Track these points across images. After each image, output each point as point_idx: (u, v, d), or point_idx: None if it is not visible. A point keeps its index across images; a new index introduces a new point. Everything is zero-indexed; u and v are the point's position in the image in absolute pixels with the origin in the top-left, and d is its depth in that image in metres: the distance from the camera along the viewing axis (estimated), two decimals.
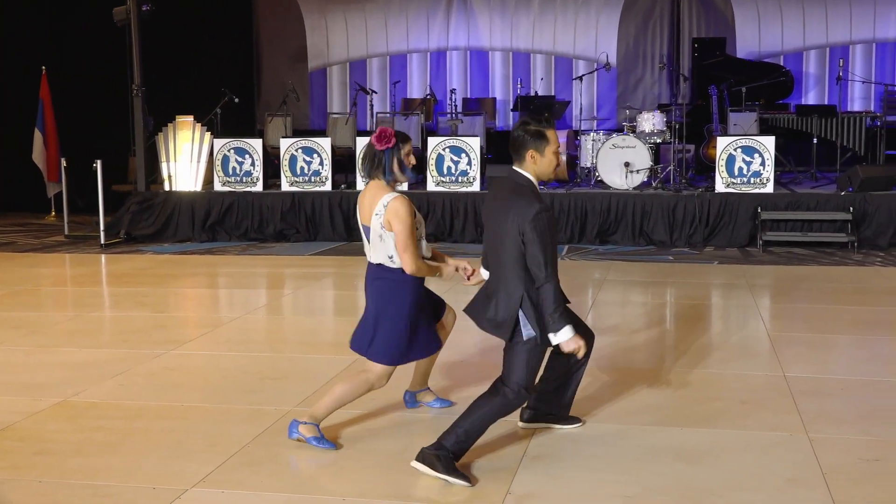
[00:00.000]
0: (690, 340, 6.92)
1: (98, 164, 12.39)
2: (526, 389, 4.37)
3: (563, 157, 12.03)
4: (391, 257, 4.60)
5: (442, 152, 12.36)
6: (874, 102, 15.95)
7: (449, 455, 4.29)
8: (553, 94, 16.50)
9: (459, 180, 12.30)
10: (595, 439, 4.81)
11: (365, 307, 4.78)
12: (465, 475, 4.28)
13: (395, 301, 4.64)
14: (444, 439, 4.33)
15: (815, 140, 13.45)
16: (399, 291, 4.64)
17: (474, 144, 12.42)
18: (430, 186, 12.42)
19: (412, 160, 4.70)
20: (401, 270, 4.60)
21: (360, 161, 4.74)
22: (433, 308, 4.93)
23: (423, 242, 4.70)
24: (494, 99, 16.81)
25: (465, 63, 17.41)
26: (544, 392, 4.88)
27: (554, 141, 4.36)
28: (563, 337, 4.24)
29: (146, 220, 12.89)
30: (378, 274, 4.68)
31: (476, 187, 12.27)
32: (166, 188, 13.15)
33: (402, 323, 4.63)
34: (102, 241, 12.31)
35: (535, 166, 4.37)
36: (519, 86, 15.72)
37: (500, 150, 15.28)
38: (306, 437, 4.66)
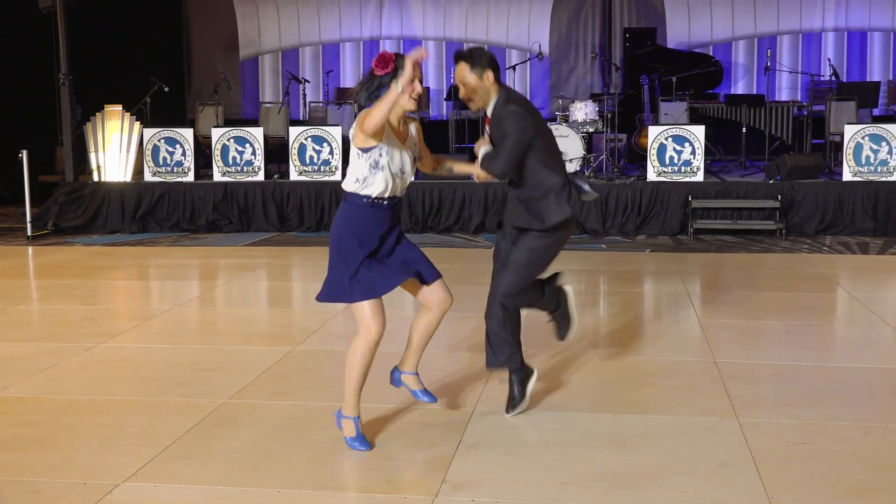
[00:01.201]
0: (623, 327, 6.99)
1: (24, 155, 12.11)
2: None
3: None
4: (358, 179, 4.41)
5: None
6: (801, 92, 16.27)
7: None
8: None
9: None
10: (530, 426, 4.84)
11: None
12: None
13: (343, 226, 4.44)
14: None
15: (744, 129, 13.66)
16: (351, 216, 4.44)
17: None
18: None
19: (418, 88, 4.39)
20: (360, 196, 4.41)
21: (356, 93, 4.48)
22: (403, 263, 4.55)
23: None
24: (428, 88, 16.80)
25: (398, 52, 17.35)
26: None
27: None
28: None
29: (75, 211, 12.67)
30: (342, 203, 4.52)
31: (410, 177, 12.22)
32: (95, 179, 12.93)
33: (345, 252, 4.41)
34: (29, 233, 12.06)
35: None
36: (452, 75, 15.71)
37: (432, 139, 15.25)
38: (345, 436, 4.52)
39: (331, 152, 12.44)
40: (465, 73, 4.82)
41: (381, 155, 4.40)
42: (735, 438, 4.61)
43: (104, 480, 4.16)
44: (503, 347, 4.98)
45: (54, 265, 10.11)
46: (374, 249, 4.46)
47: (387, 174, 4.43)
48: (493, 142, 4.88)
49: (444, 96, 16.13)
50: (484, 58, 4.83)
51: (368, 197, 4.43)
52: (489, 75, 4.79)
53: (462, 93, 4.89)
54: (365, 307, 4.40)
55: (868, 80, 15.90)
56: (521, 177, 4.89)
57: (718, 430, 4.74)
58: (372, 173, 4.41)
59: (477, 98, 4.84)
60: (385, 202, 4.48)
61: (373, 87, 4.40)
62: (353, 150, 4.44)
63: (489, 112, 4.88)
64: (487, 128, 4.97)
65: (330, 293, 4.48)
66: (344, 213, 4.48)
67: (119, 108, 13.00)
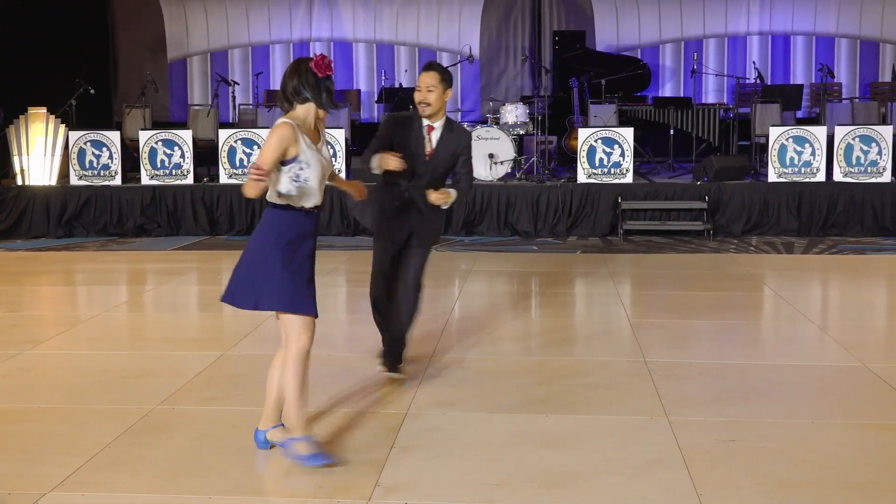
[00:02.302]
0: (554, 328, 7.03)
1: None
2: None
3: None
4: (282, 192, 4.31)
5: None
6: (727, 95, 16.53)
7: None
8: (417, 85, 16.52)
9: None
10: (462, 428, 4.85)
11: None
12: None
13: (268, 239, 4.34)
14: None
15: (671, 131, 13.84)
16: (272, 228, 4.35)
17: (339, 137, 12.35)
18: None
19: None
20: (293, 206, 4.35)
21: (293, 89, 4.34)
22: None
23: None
24: (359, 91, 16.77)
25: (328, 54, 17.27)
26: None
27: (420, 79, 5.46)
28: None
29: None
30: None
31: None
32: (19, 182, 12.68)
33: (279, 263, 4.30)
34: None
35: None
36: (383, 77, 15.71)
37: (364, 141, 15.21)
38: (301, 454, 4.28)
39: None
40: (437, 82, 5.39)
41: (301, 168, 4.32)
42: (665, 437, 4.67)
43: (29, 490, 4.07)
44: None
45: None
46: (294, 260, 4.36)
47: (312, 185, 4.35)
48: (438, 154, 5.47)
49: (376, 98, 16.09)
50: (450, 76, 5.47)
51: (299, 207, 4.36)
52: (449, 94, 5.41)
53: (422, 97, 5.39)
54: (298, 318, 4.33)
55: (791, 83, 16.22)
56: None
57: (648, 429, 4.79)
58: (295, 186, 4.32)
59: (434, 108, 5.39)
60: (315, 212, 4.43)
61: (315, 86, 4.33)
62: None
63: (436, 125, 5.49)
64: (431, 136, 5.48)
65: (277, 301, 4.34)
66: (276, 220, 4.37)
67: (43, 110, 12.76)
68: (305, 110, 4.37)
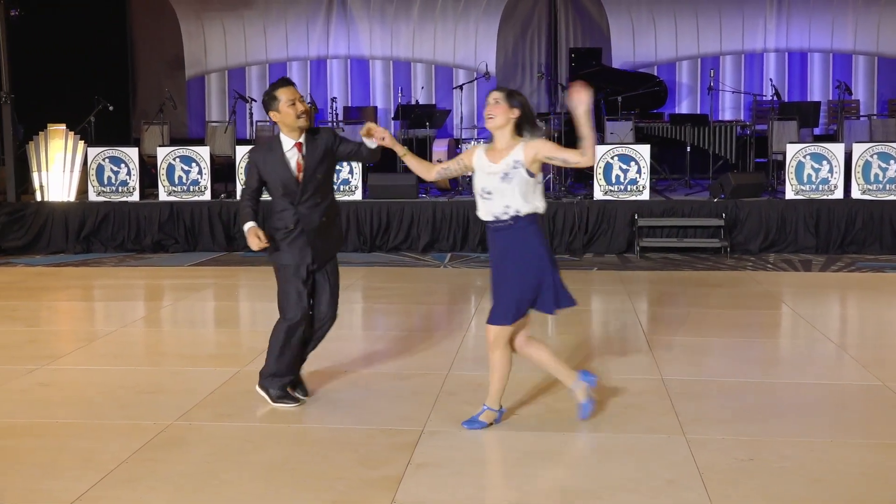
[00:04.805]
0: (570, 346, 7.01)
1: None
2: (286, 317, 5.37)
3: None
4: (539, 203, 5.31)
5: None
6: (744, 112, 16.52)
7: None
8: (434, 102, 16.59)
9: (341, 189, 12.24)
10: (478, 446, 4.83)
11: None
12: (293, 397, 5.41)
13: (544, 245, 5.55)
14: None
15: (688, 148, 13.81)
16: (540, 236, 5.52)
17: None
18: None
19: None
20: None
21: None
22: None
23: None
24: (375, 108, 16.83)
25: (345, 71, 17.37)
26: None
27: (284, 94, 5.26)
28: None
29: (17, 231, 12.47)
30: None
31: (358, 196, 12.23)
32: (38, 199, 12.76)
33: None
34: None
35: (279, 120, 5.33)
36: (400, 94, 15.75)
37: (383, 156, 15.25)
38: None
39: None
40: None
41: None
42: (682, 455, 4.64)
43: None
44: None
45: None
46: None
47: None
48: (309, 165, 5.41)
49: (392, 115, 16.13)
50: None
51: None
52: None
53: (305, 108, 5.37)
54: None
55: (809, 100, 16.18)
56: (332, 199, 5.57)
57: (666, 448, 4.76)
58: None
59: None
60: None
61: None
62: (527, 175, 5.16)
63: (302, 139, 5.42)
64: (301, 152, 5.39)
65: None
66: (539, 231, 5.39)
67: (62, 127, 12.85)
68: None
